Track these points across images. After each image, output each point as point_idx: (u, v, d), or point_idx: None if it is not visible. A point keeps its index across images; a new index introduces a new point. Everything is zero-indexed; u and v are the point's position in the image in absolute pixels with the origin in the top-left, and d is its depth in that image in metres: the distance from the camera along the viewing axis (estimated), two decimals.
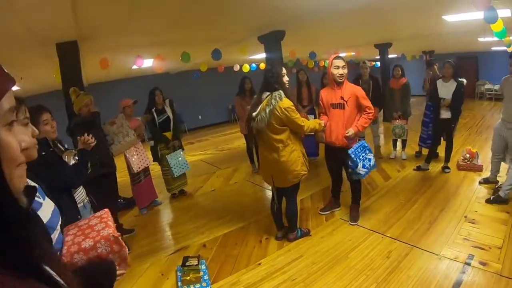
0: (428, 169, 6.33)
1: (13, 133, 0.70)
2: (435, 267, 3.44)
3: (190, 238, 4.51)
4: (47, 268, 0.74)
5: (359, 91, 4.20)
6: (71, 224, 2.00)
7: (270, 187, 4.27)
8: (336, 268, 3.55)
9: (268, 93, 3.68)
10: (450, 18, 6.64)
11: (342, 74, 4.09)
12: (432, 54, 14.96)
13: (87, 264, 1.52)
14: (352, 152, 4.10)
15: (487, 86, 16.37)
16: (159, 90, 5.50)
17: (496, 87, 15.10)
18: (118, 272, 1.41)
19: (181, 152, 5.70)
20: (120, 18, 4.49)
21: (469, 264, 3.41)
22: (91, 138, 2.97)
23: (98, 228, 1.92)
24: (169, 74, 12.28)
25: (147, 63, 7.45)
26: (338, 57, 4.15)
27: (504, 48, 10.63)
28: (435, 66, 6.96)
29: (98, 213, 2.11)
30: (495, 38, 6.88)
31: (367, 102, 4.17)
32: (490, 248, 3.68)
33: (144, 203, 5.51)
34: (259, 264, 3.75)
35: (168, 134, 5.58)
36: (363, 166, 4.15)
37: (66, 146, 3.09)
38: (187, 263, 3.56)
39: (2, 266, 0.61)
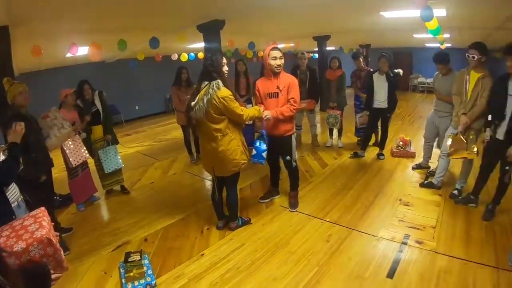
0: (364, 156, 6.56)
1: None
2: (374, 248, 3.56)
3: (130, 233, 4.33)
4: None
5: (294, 81, 4.25)
6: (5, 224, 1.84)
7: (210, 177, 4.22)
8: (279, 254, 3.57)
9: (206, 82, 3.59)
10: (388, 14, 6.83)
11: (280, 65, 4.11)
12: (368, 47, 15.46)
13: (19, 270, 1.39)
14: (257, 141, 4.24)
15: (420, 79, 17.41)
16: (87, 83, 5.18)
17: (429, 80, 15.96)
18: (53, 276, 1.29)
19: (115, 148, 5.44)
20: (55, 2, 4.21)
21: (405, 244, 3.58)
22: (15, 130, 2.76)
23: (32, 229, 1.77)
24: (105, 63, 11.76)
25: (82, 51, 7.08)
26: (275, 48, 4.15)
27: (437, 44, 11.20)
28: (360, 59, 7.17)
29: (33, 212, 1.96)
30: (429, 35, 7.23)
31: (294, 94, 4.20)
32: (424, 228, 3.87)
33: (81, 199, 5.21)
34: (202, 254, 3.68)
35: (99, 127, 5.30)
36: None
37: None
38: (130, 259, 3.40)
39: None
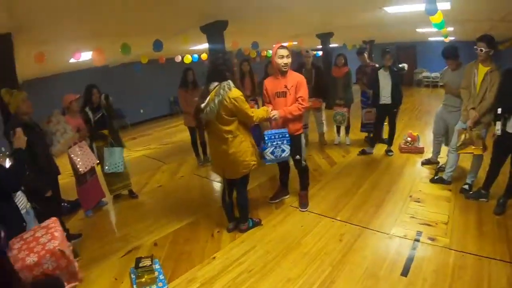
0: (372, 153, 6.52)
1: None
2: (387, 246, 3.54)
3: (140, 238, 4.32)
4: None
5: (302, 79, 4.21)
6: (16, 236, 1.83)
7: (218, 179, 4.22)
8: (291, 255, 3.54)
9: (216, 83, 3.56)
10: (391, 9, 6.81)
11: (287, 64, 4.07)
12: (372, 43, 15.41)
13: (32, 284, 1.38)
14: (268, 134, 4.09)
15: (425, 74, 17.34)
16: (96, 88, 5.22)
17: (434, 74, 15.88)
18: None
19: (121, 150, 5.44)
20: (57, 9, 4.21)
21: (418, 241, 3.55)
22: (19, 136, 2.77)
23: (44, 241, 1.77)
24: (108, 67, 11.80)
25: (86, 56, 7.09)
26: (282, 47, 4.12)
27: (441, 38, 11.17)
28: (365, 55, 7.15)
29: (45, 223, 1.96)
30: (433, 29, 7.19)
31: (302, 93, 4.17)
32: (436, 224, 3.84)
33: (90, 204, 5.22)
34: (214, 258, 3.66)
35: (106, 132, 5.31)
36: (272, 153, 4.12)
37: (3, 149, 2.87)
38: (141, 265, 3.39)
39: None
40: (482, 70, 4.13)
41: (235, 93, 3.48)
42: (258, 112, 3.79)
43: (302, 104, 4.13)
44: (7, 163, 2.68)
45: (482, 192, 4.29)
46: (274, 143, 4.10)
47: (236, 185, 4.04)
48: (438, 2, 4.55)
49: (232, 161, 3.71)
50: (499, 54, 4.98)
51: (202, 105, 3.58)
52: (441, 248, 3.38)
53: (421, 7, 4.62)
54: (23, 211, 2.62)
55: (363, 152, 6.59)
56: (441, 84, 5.38)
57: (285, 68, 4.09)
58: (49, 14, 4.38)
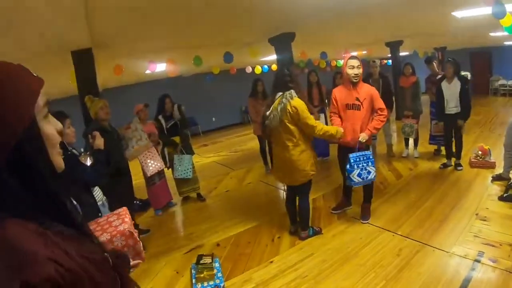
0: (451, 165, 6.28)
1: (49, 123, 0.89)
2: (445, 264, 3.47)
3: (204, 238, 4.61)
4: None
5: (374, 91, 4.23)
6: (91, 221, 2.12)
7: (284, 187, 4.34)
8: (347, 265, 3.60)
9: (280, 93, 3.77)
10: (460, 14, 6.62)
11: (357, 74, 4.10)
12: (444, 50, 14.79)
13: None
14: (353, 157, 4.10)
15: (501, 81, 16.12)
16: (169, 97, 5.60)
17: (511, 82, 14.89)
18: (132, 263, 1.50)
19: (190, 158, 5.75)
20: (133, 26, 4.61)
21: (479, 261, 3.42)
22: (98, 137, 3.11)
23: (116, 224, 2.02)
24: (182, 77, 12.37)
25: (160, 67, 7.56)
26: (353, 57, 4.16)
27: None
28: (434, 63, 6.94)
29: (116, 211, 2.22)
30: (506, 33, 6.86)
31: (380, 104, 4.18)
32: (500, 245, 3.68)
33: (159, 205, 5.62)
34: (271, 262, 3.82)
35: (177, 139, 5.67)
36: (359, 175, 4.12)
37: (82, 150, 3.24)
38: (201, 261, 3.63)
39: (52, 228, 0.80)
40: None
41: (297, 102, 3.67)
42: (324, 126, 3.85)
43: (382, 114, 4.17)
44: (89, 162, 3.02)
45: None
46: (360, 165, 4.12)
47: (298, 193, 4.17)
48: (506, 4, 4.39)
49: (291, 169, 3.86)
50: None
51: (267, 113, 3.80)
52: (502, 271, 3.24)
53: (489, 10, 4.46)
54: (99, 203, 2.98)
55: (444, 166, 6.35)
56: None
57: (355, 79, 4.11)
58: (126, 30, 4.79)
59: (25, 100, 0.80)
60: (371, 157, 4.19)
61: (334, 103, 4.40)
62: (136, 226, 4.49)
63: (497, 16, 4.49)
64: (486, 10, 5.28)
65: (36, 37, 4.20)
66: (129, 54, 6.39)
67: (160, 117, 5.55)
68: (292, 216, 4.37)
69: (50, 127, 0.88)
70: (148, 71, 8.01)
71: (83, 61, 5.16)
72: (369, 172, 4.16)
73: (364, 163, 4.14)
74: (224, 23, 5.35)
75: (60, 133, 0.92)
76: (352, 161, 4.08)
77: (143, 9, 3.98)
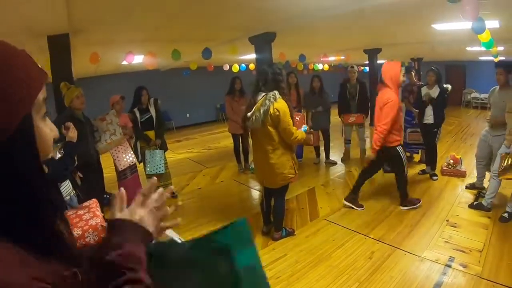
0: (430, 172, 6.37)
1: (47, 125, 0.75)
2: (417, 269, 3.51)
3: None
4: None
5: (386, 101, 4.60)
6: None
7: (257, 187, 4.37)
8: (319, 267, 3.60)
9: (263, 94, 3.70)
10: (439, 27, 6.74)
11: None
12: (420, 61, 15.11)
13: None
14: None
15: (474, 94, 16.75)
16: (145, 89, 5.47)
17: (483, 95, 15.34)
18: None
19: (162, 153, 5.63)
20: (113, 13, 4.48)
21: (449, 266, 3.49)
22: (72, 129, 2.97)
23: (86, 218, 1.94)
24: (159, 70, 12.23)
25: (138, 59, 7.42)
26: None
27: (491, 58, 10.82)
28: (412, 73, 7.08)
29: (86, 203, 2.14)
30: (483, 48, 7.03)
31: (382, 117, 4.57)
32: (470, 251, 3.76)
33: (130, 200, 5.46)
34: None
35: (151, 133, 5.53)
36: None
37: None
38: None
39: (27, 247, 0.65)
40: None
41: (280, 104, 3.59)
42: (299, 134, 3.80)
43: (377, 129, 4.55)
44: (57, 155, 2.89)
45: None
46: None
47: (274, 194, 4.14)
48: (486, 20, 4.49)
49: (270, 171, 3.83)
50: None
51: (249, 114, 3.74)
52: (472, 276, 3.31)
53: (469, 25, 4.56)
54: (67, 198, 2.84)
55: (423, 172, 6.47)
56: (489, 106, 5.26)
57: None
58: (105, 18, 4.67)
59: (25, 92, 0.67)
60: None
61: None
62: (105, 221, 4.38)
63: (476, 31, 4.59)
64: (465, 25, 5.40)
65: (11, 17, 4.03)
66: (106, 43, 6.24)
67: (135, 109, 5.42)
68: (266, 216, 4.35)
69: (47, 130, 0.75)
70: (124, 62, 7.83)
71: (59, 47, 4.98)
72: None
73: None
74: (206, 19, 5.29)
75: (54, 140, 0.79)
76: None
77: None
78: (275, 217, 4.25)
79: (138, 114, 5.40)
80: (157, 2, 4.17)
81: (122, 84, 9.57)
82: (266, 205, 4.26)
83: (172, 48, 7.00)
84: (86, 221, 1.92)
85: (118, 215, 0.97)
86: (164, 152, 5.67)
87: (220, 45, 7.37)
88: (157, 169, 5.54)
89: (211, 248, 1.12)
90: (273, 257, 3.84)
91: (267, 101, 3.60)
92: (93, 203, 2.18)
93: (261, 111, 3.60)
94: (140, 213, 0.98)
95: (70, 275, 0.72)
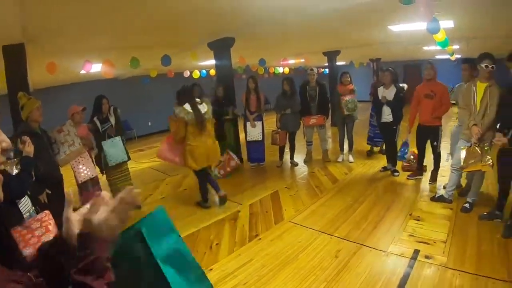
0: (392, 169, 6.48)
1: None
2: (383, 264, 3.53)
3: None
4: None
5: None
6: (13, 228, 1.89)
7: (221, 194, 4.68)
8: (286, 269, 3.55)
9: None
10: (396, 28, 6.87)
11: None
12: (379, 61, 15.46)
13: None
14: None
15: None
16: (106, 98, 5.29)
17: None
18: None
19: (120, 139, 5.43)
20: (70, 22, 4.33)
21: (415, 259, 3.53)
22: (29, 143, 2.83)
23: (39, 233, 1.82)
24: (118, 79, 11.97)
25: (96, 68, 7.20)
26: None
27: (447, 56, 11.17)
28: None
29: (38, 216, 2.01)
30: (438, 47, 7.23)
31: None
32: (435, 242, 3.83)
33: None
34: (211, 269, 3.67)
35: None
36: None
37: (11, 154, 2.91)
38: None
39: None
40: (481, 86, 4.15)
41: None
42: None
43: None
44: (14, 171, 2.72)
45: (496, 213, 4.22)
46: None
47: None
48: (441, 21, 4.61)
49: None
50: (507, 71, 4.92)
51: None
52: (438, 266, 3.36)
53: (424, 25, 4.67)
54: (26, 215, 2.67)
55: (384, 169, 6.60)
56: (454, 101, 5.39)
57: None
58: (60, 27, 4.50)
59: None
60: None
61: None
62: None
63: (431, 32, 4.69)
64: (420, 26, 5.52)
65: None
66: (63, 52, 6.02)
67: (95, 119, 5.22)
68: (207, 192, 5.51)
69: None
70: (82, 71, 7.57)
71: (14, 57, 4.78)
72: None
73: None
74: (164, 26, 5.19)
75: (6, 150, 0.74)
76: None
77: (80, 4, 3.74)
78: (213, 185, 5.45)
79: (98, 124, 5.21)
80: (113, 10, 4.06)
81: (81, 94, 9.27)
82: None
83: (131, 55, 6.84)
84: (39, 237, 1.81)
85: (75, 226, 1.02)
86: (122, 142, 5.49)
87: (180, 51, 7.27)
88: (120, 157, 5.38)
89: (134, 235, 1.24)
90: (239, 263, 3.75)
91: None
92: (45, 215, 2.06)
93: None
94: (99, 217, 0.95)
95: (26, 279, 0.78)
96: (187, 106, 4.97)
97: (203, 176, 5.40)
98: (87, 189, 5.05)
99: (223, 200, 5.41)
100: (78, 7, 3.84)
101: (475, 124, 4.18)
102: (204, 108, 5.08)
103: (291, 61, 14.04)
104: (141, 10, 4.32)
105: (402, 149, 6.07)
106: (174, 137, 5.20)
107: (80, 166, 4.86)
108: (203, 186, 5.49)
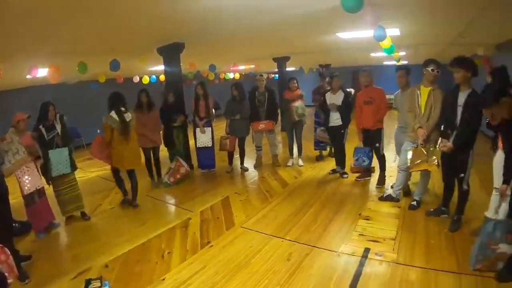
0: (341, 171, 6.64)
1: None
2: (335, 264, 3.60)
3: (91, 260, 4.15)
4: None
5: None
6: None
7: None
8: (239, 275, 3.53)
9: None
10: (343, 35, 7.04)
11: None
12: (328, 67, 15.75)
13: None
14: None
15: None
16: (52, 105, 5.07)
17: (387, 96, 16.30)
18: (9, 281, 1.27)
19: (66, 150, 5.23)
20: (14, 25, 4.12)
21: (366, 257, 3.64)
22: None
23: None
24: (65, 84, 11.52)
25: (43, 72, 6.90)
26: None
27: (394, 62, 11.58)
28: (327, 78, 7.34)
29: None
30: (385, 54, 7.48)
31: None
32: (384, 240, 3.97)
33: (40, 226, 4.99)
34: (163, 279, 3.59)
35: None
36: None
37: None
38: (90, 287, 3.31)
39: None
40: (425, 90, 4.36)
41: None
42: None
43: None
44: None
45: (442, 209, 4.42)
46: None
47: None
48: (387, 29, 4.78)
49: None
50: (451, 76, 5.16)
51: None
52: (388, 263, 3.48)
53: (371, 33, 4.81)
54: None
55: (333, 172, 6.76)
56: (394, 106, 5.65)
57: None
58: (4, 30, 4.28)
59: None
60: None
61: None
62: (16, 253, 3.94)
63: (378, 39, 4.85)
64: (368, 33, 5.69)
65: None
66: (7, 55, 5.72)
67: (41, 126, 4.99)
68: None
69: None
70: (28, 76, 7.24)
71: None
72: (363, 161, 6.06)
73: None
74: (111, 30, 5.05)
75: None
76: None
77: (26, 11, 3.58)
78: (134, 190, 5.90)
79: (44, 132, 4.99)
80: (60, 14, 3.89)
81: (27, 100, 8.87)
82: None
83: (78, 60, 6.61)
84: None
85: None
86: (70, 151, 5.31)
87: (129, 57, 7.11)
88: (63, 168, 5.17)
89: None
90: (192, 271, 3.70)
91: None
92: None
93: None
94: None
95: None
96: (113, 114, 5.32)
97: (119, 176, 6.08)
98: (33, 200, 4.81)
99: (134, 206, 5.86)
100: (24, 13, 3.68)
101: (420, 127, 4.37)
102: (129, 116, 5.48)
103: (242, 67, 14.12)
104: (89, 15, 4.19)
105: (359, 156, 6.14)
106: (105, 140, 5.58)
107: (26, 177, 4.63)
108: (118, 183, 6.13)
